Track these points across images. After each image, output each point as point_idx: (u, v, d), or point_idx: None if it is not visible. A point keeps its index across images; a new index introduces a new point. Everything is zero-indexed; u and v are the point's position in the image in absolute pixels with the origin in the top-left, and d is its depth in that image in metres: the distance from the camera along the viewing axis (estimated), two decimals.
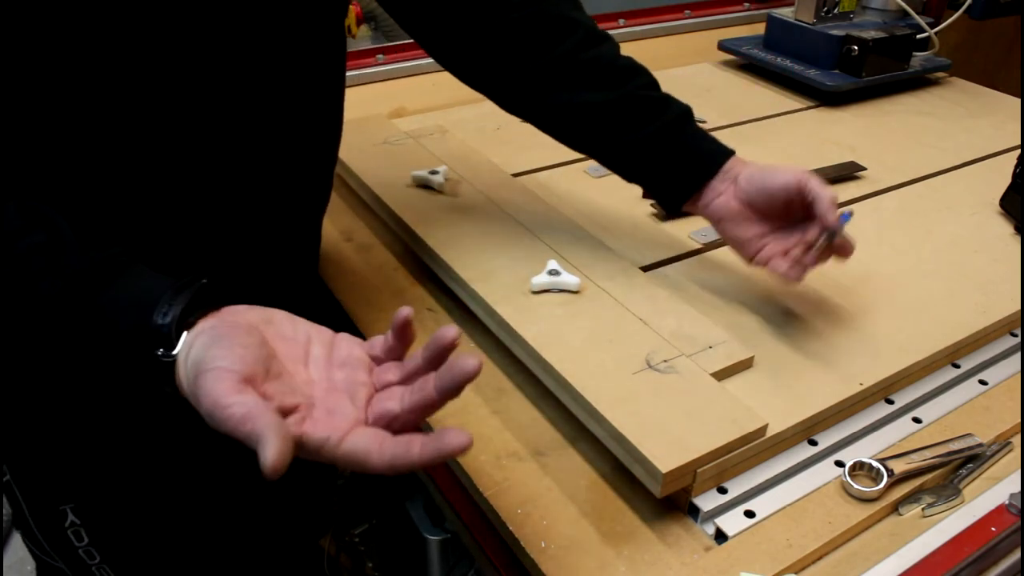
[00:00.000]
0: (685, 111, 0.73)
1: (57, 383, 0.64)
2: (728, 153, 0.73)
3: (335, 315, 0.81)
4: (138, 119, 0.53)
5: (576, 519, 0.59)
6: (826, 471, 0.63)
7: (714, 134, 0.74)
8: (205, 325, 0.45)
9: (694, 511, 0.59)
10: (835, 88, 1.18)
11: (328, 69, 0.66)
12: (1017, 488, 0.61)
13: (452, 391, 0.44)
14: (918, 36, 1.24)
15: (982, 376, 0.73)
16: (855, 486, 0.60)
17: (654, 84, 0.74)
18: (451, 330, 0.45)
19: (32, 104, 0.50)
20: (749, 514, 0.59)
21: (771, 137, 1.11)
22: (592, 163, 1.01)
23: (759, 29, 1.34)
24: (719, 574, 0.55)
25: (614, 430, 0.59)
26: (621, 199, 0.93)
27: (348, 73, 0.71)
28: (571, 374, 0.63)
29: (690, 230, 0.87)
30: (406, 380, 0.47)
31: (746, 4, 1.62)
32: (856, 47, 1.18)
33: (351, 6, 1.97)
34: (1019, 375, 0.73)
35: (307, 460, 0.43)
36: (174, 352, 0.44)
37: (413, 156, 0.96)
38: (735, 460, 0.60)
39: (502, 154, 1.00)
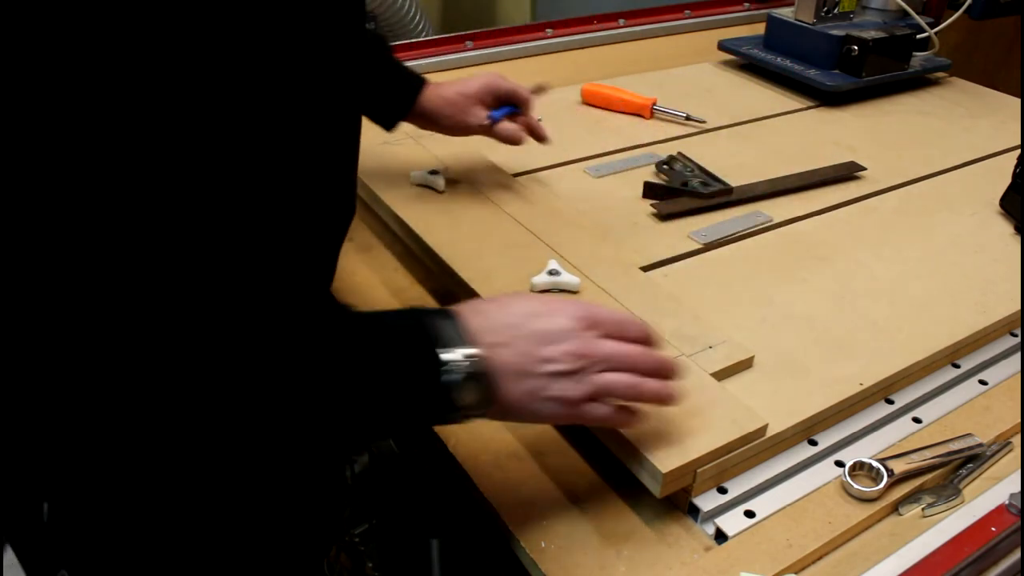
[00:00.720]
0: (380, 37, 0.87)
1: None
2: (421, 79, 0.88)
3: None
4: None
5: (576, 519, 0.59)
6: (826, 471, 0.63)
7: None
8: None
9: (694, 511, 0.59)
10: (835, 88, 1.18)
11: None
12: (1017, 488, 0.61)
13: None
14: (918, 36, 1.24)
15: (982, 376, 0.73)
16: (855, 486, 0.60)
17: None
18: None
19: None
20: (749, 514, 0.59)
21: (771, 137, 1.11)
22: (592, 163, 1.01)
23: (759, 29, 1.34)
24: (719, 574, 0.55)
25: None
26: (621, 199, 0.93)
27: None
28: None
29: (690, 230, 0.87)
30: None
31: (746, 4, 1.62)
32: (856, 47, 1.18)
33: None
34: (1019, 375, 0.73)
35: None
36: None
37: (413, 156, 0.96)
38: (735, 460, 0.60)
39: (502, 154, 1.00)
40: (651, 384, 0.54)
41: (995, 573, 0.57)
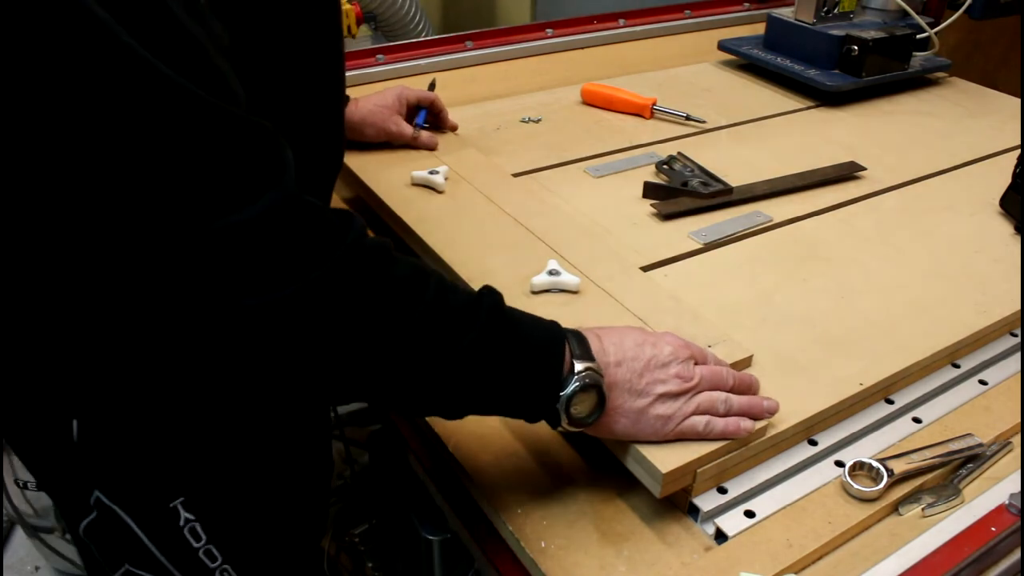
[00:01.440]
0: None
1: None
2: None
3: None
4: None
5: (576, 519, 0.59)
6: (826, 471, 0.63)
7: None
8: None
9: (694, 511, 0.59)
10: (835, 88, 1.18)
11: (328, 75, 0.67)
12: (1017, 488, 0.61)
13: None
14: (918, 36, 1.24)
15: (982, 376, 0.73)
16: (855, 486, 0.60)
17: None
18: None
19: None
20: (749, 514, 0.59)
21: (771, 137, 1.11)
22: (592, 163, 1.01)
23: (759, 29, 1.34)
24: (719, 574, 0.55)
25: None
26: (621, 199, 0.93)
27: (348, 73, 0.71)
28: None
29: (690, 230, 0.87)
30: None
31: (746, 4, 1.62)
32: (856, 47, 1.18)
33: (351, 6, 1.98)
34: (1019, 375, 0.73)
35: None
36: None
37: (413, 156, 0.96)
38: (735, 460, 0.60)
39: (502, 154, 1.00)
40: (740, 399, 0.60)
41: (995, 573, 0.57)
